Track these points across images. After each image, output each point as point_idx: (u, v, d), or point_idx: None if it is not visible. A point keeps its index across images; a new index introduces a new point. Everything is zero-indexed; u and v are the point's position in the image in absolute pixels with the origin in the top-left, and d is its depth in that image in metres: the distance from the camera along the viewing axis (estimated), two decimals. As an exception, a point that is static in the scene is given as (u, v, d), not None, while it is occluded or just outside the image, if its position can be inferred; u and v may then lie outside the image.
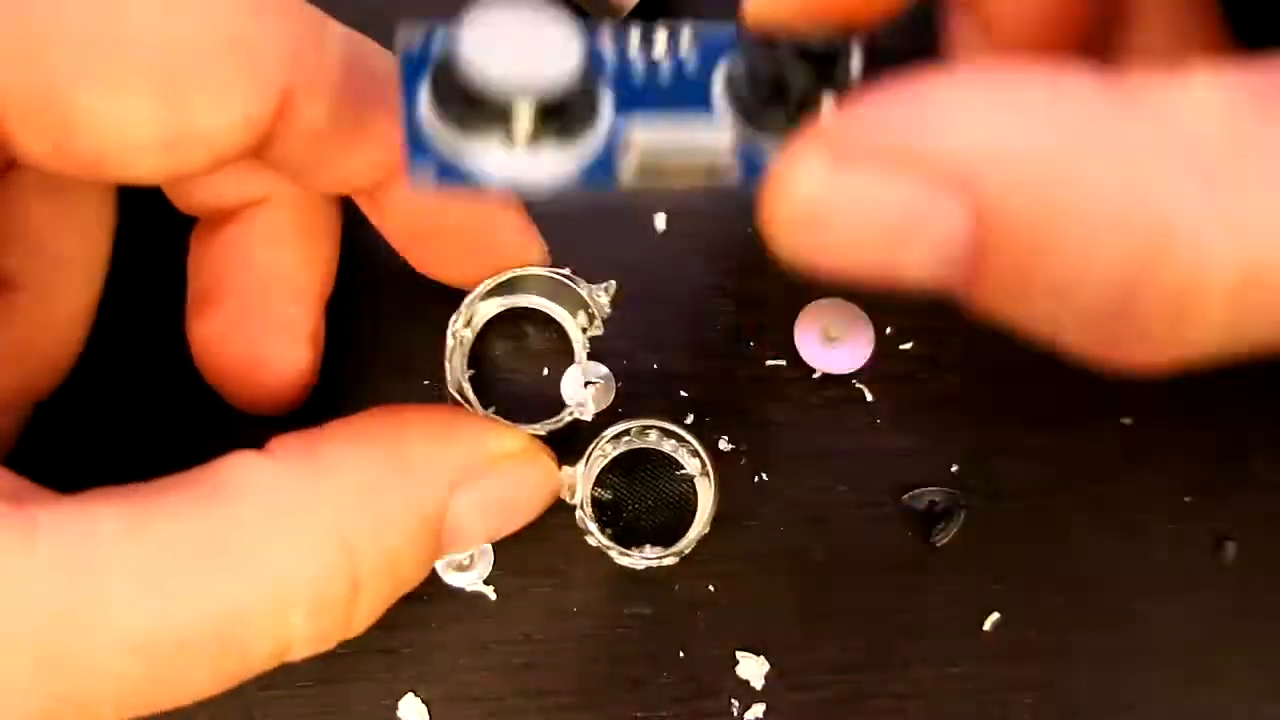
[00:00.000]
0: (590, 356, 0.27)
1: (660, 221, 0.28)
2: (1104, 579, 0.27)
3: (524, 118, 0.17)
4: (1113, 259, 0.13)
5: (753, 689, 0.25)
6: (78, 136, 0.18)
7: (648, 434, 0.26)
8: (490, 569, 0.26)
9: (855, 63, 0.17)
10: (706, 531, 0.25)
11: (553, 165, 0.18)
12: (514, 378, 0.27)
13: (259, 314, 0.24)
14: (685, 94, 0.18)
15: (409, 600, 0.25)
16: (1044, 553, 0.27)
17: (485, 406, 0.25)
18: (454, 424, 0.22)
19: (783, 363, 0.28)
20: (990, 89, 0.14)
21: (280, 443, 0.20)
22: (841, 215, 0.15)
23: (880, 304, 0.28)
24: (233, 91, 0.19)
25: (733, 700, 0.25)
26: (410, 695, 0.25)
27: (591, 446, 0.25)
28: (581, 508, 0.24)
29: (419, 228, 0.24)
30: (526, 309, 0.27)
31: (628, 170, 0.18)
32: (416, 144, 0.18)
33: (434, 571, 0.25)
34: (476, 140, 0.17)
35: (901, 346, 0.28)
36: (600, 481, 0.26)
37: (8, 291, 0.23)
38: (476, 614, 0.26)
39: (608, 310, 0.26)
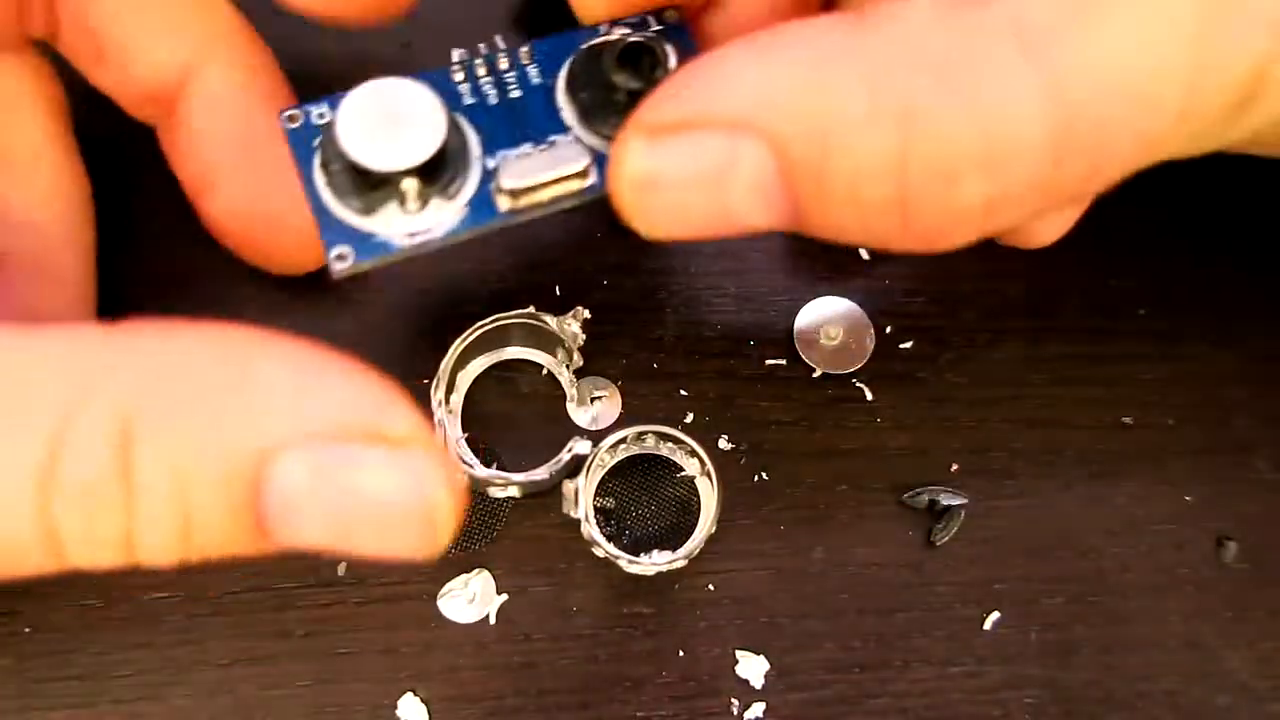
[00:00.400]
0: (589, 368, 0.27)
1: (660, 221, 0.28)
2: (1104, 579, 0.27)
3: (411, 188, 0.19)
4: (877, 151, 0.16)
5: (753, 689, 0.25)
6: None
7: (644, 439, 0.26)
8: (497, 608, 0.26)
9: (671, 59, 0.20)
10: (714, 531, 0.25)
11: (445, 216, 0.20)
12: (511, 428, 0.27)
13: (250, 171, 0.24)
14: (537, 107, 0.21)
15: (409, 599, 0.25)
16: (1044, 553, 0.27)
17: (487, 464, 0.26)
18: (328, 368, 0.17)
19: (783, 363, 0.28)
20: (756, 46, 0.17)
21: (130, 321, 0.17)
22: (668, 181, 0.18)
23: (880, 304, 0.28)
24: None
25: (733, 700, 0.25)
26: (410, 695, 0.25)
27: (590, 456, 0.25)
28: (586, 520, 0.24)
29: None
30: (510, 360, 0.27)
31: (504, 204, 0.20)
32: (329, 227, 0.20)
33: (436, 594, 0.26)
34: (378, 214, 0.20)
35: (901, 346, 0.28)
36: (601, 490, 0.26)
37: (3, 269, 0.23)
38: (476, 614, 0.26)
39: (581, 338, 0.26)
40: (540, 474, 0.25)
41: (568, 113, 0.21)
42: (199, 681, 0.24)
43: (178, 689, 0.24)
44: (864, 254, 0.29)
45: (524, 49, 0.21)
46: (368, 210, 0.19)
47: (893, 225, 0.17)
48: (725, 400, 0.27)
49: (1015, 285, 0.29)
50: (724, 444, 0.27)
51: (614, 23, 0.21)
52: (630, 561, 0.25)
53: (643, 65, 0.20)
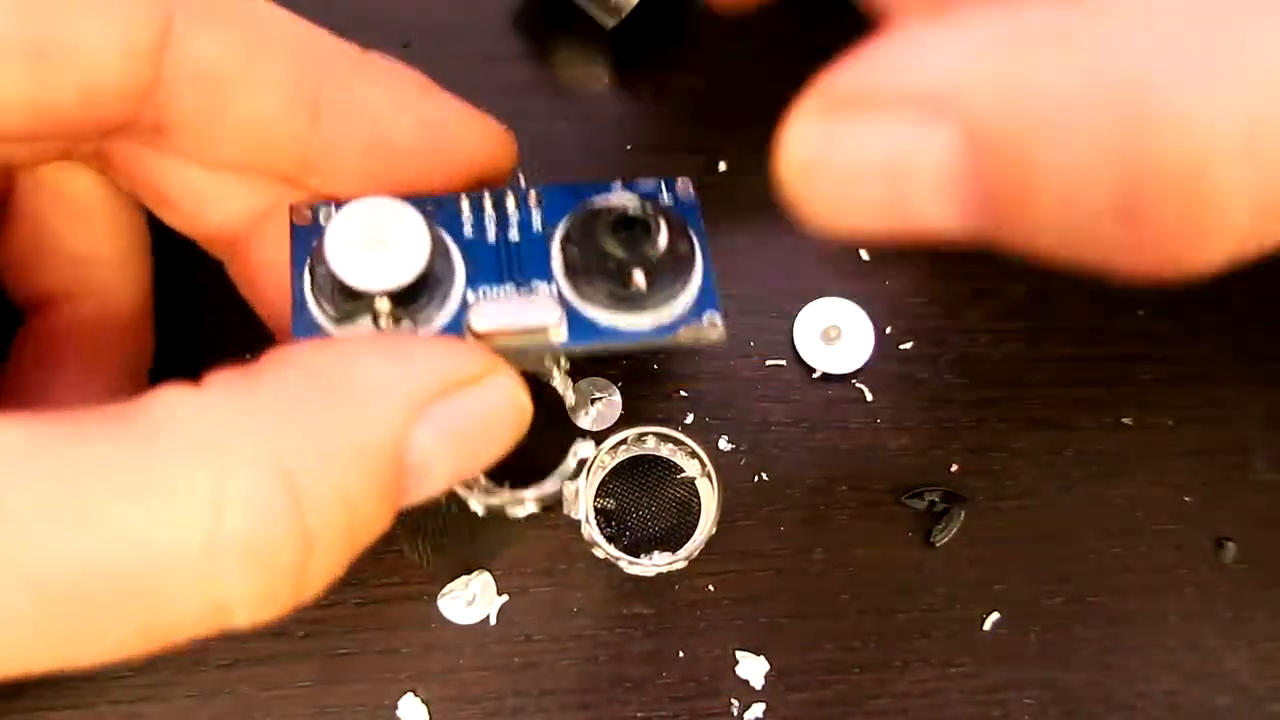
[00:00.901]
0: (589, 369, 0.27)
1: (660, 222, 0.28)
2: (1104, 579, 0.27)
3: (384, 308, 0.19)
4: (1101, 143, 0.13)
5: (753, 689, 0.25)
6: None
7: (645, 440, 0.26)
8: (498, 608, 0.26)
9: (662, 236, 0.20)
10: (714, 532, 0.25)
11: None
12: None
13: None
14: (531, 253, 0.21)
15: (409, 600, 0.25)
16: (1044, 553, 0.27)
17: (499, 484, 0.26)
18: (405, 347, 0.19)
19: (783, 363, 0.28)
20: (954, 21, 0.14)
21: (215, 374, 0.17)
22: (842, 162, 0.15)
23: (880, 304, 0.28)
24: (109, 4, 0.18)
25: (733, 700, 0.25)
26: (410, 695, 0.25)
27: (591, 458, 0.25)
28: (587, 521, 0.24)
29: (372, 163, 0.22)
30: None
31: (472, 340, 0.20)
32: (302, 323, 0.20)
33: (437, 594, 0.26)
34: (351, 324, 0.20)
35: (901, 346, 0.28)
36: (602, 491, 0.26)
37: (62, 305, 0.23)
38: (477, 614, 0.26)
39: None
40: (549, 485, 0.25)
41: (557, 265, 0.21)
42: (199, 681, 0.24)
43: (178, 689, 0.24)
44: (864, 254, 0.29)
45: (533, 192, 0.21)
46: (342, 318, 0.20)
47: (1117, 238, 0.14)
48: (725, 401, 0.27)
49: (1015, 285, 0.29)
50: (724, 445, 0.27)
51: (628, 185, 0.21)
52: (630, 562, 0.25)
53: (635, 236, 0.20)
